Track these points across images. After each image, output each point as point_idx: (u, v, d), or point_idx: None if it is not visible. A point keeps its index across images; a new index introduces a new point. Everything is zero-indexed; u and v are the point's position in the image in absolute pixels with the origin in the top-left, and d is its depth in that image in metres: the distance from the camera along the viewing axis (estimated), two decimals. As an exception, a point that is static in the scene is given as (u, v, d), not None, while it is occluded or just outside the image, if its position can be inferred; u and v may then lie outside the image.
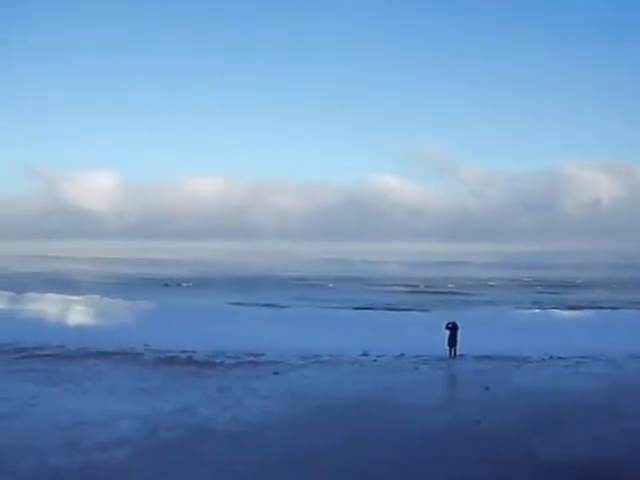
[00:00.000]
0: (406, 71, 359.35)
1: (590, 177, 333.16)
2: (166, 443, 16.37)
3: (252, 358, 28.56)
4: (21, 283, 79.63)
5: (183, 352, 29.61)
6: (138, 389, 22.61)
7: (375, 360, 29.12)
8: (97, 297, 47.93)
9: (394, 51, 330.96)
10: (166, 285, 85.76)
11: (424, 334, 34.57)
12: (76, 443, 16.26)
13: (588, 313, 49.54)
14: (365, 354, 30.29)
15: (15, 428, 17.56)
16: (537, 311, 50.09)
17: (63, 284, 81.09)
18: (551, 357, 30.66)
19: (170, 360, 28.19)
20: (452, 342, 31.54)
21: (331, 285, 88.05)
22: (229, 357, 28.75)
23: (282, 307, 49.65)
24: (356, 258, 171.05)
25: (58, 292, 52.76)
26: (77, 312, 42.89)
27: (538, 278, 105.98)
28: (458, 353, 31.26)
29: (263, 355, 29.08)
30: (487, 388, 23.36)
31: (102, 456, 15.25)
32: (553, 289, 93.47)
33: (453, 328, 31.86)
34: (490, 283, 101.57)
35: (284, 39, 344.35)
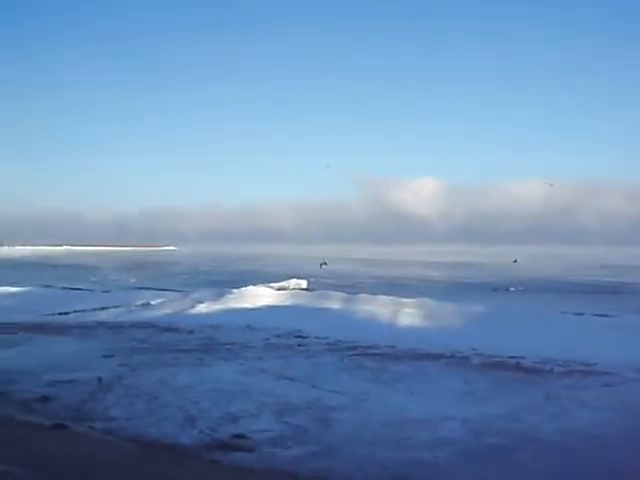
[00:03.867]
0: None
1: None
2: (490, 448, 16.33)
3: (582, 367, 27.36)
4: (353, 285, 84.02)
5: (511, 358, 29.17)
6: (464, 392, 22.73)
7: None
8: (426, 300, 48.79)
9: None
10: (494, 290, 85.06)
11: None
12: (403, 439, 16.87)
13: None
14: None
15: (348, 420, 18.65)
16: None
17: (392, 286, 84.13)
18: None
19: (497, 365, 27.93)
20: None
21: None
22: (558, 365, 27.78)
23: (614, 316, 47.00)
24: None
25: (388, 294, 54.55)
26: (407, 314, 43.98)
27: None
28: None
29: (594, 365, 27.71)
30: None
31: (427, 454, 15.65)
32: None
33: None
34: None
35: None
